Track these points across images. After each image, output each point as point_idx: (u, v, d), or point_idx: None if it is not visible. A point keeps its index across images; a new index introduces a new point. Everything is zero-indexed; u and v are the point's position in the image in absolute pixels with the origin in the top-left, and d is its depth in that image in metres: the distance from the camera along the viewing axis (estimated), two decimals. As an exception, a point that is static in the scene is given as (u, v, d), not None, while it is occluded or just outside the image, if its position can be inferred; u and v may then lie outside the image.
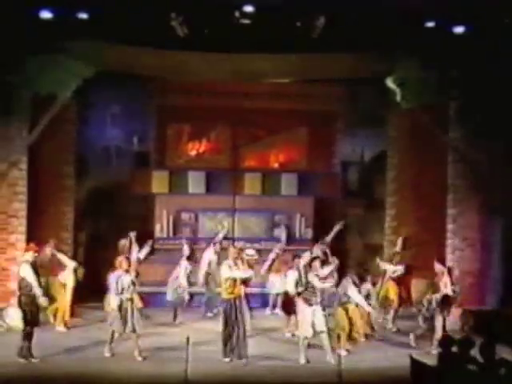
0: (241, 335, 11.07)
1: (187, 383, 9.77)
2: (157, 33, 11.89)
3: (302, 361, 11.08)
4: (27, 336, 11.00)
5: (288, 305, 12.49)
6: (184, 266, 14.16)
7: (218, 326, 12.93)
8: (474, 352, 7.80)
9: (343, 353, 11.08)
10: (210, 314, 14.50)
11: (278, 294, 14.44)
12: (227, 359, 11.08)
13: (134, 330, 11.23)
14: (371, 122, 17.15)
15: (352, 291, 11.60)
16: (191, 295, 14.37)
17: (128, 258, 11.84)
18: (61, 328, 13.11)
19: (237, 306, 11.05)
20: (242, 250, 11.57)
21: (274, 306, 14.78)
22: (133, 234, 13.75)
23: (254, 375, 10.65)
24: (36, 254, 11.26)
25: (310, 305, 11.05)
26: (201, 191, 17.12)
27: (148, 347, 11.90)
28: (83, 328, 13.42)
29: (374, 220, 17.34)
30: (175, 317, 14.01)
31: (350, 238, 17.08)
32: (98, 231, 16.59)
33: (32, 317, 11.04)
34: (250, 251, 12.24)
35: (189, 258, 14.44)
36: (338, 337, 11.54)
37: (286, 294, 12.70)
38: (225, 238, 15.42)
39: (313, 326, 11.00)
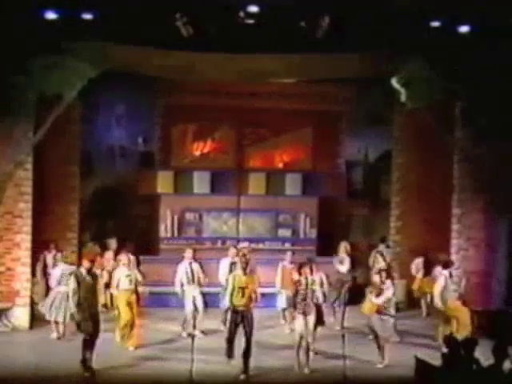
0: (245, 348, 10.72)
1: (192, 383, 9.81)
2: (161, 33, 11.87)
3: (296, 367, 10.96)
4: (84, 345, 10.66)
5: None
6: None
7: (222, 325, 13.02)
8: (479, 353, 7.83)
9: None
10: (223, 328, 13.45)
11: (285, 309, 14.11)
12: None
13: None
14: (376, 122, 17.16)
15: None
16: None
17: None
18: None
19: (243, 316, 10.76)
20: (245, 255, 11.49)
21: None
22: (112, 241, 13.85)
23: (259, 375, 10.67)
24: (88, 265, 10.80)
25: (303, 313, 10.92)
26: (205, 191, 17.15)
27: (153, 346, 11.97)
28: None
29: (378, 220, 17.34)
30: None
31: (354, 238, 17.06)
32: (103, 231, 16.61)
33: (84, 326, 10.68)
34: (243, 244, 12.09)
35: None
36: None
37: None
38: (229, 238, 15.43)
39: (302, 333, 10.88)
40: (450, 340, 8.16)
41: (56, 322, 12.58)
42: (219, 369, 10.81)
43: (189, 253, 13.29)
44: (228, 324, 11.03)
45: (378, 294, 11.30)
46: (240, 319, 10.75)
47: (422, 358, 8.63)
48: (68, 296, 11.08)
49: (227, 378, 10.57)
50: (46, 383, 10.33)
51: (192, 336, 10.18)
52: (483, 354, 7.95)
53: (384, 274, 11.60)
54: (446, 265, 12.49)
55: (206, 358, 10.82)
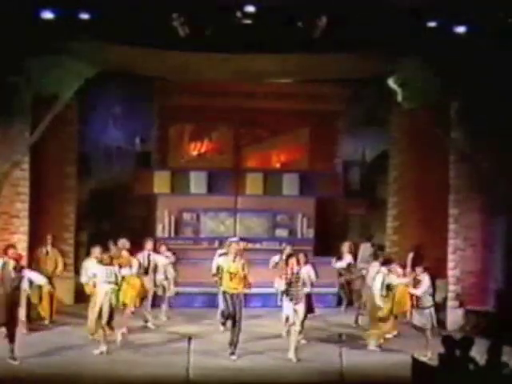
0: (236, 331, 11.38)
1: (189, 383, 9.80)
2: (158, 33, 11.90)
3: (291, 356, 11.30)
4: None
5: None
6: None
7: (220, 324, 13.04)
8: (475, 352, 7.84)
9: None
10: (221, 328, 13.05)
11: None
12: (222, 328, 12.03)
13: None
14: (373, 122, 17.16)
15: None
16: None
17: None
18: None
19: (234, 300, 11.38)
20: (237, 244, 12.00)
21: None
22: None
23: (256, 374, 10.69)
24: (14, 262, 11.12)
25: (292, 300, 11.33)
26: (202, 191, 17.12)
27: (150, 346, 11.96)
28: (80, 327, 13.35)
29: (375, 220, 17.34)
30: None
31: (351, 238, 17.06)
32: (100, 231, 16.58)
33: None
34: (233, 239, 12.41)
35: None
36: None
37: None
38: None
39: (290, 317, 11.35)
40: (446, 340, 8.17)
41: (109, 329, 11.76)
42: (217, 368, 10.80)
43: (148, 244, 13.78)
44: (223, 302, 11.74)
45: (415, 286, 11.53)
46: (230, 301, 11.40)
47: (418, 357, 8.65)
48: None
49: (225, 377, 10.57)
50: (42, 383, 10.33)
51: (189, 337, 10.14)
52: (479, 354, 7.96)
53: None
54: (386, 262, 12.44)
55: (204, 358, 10.82)
